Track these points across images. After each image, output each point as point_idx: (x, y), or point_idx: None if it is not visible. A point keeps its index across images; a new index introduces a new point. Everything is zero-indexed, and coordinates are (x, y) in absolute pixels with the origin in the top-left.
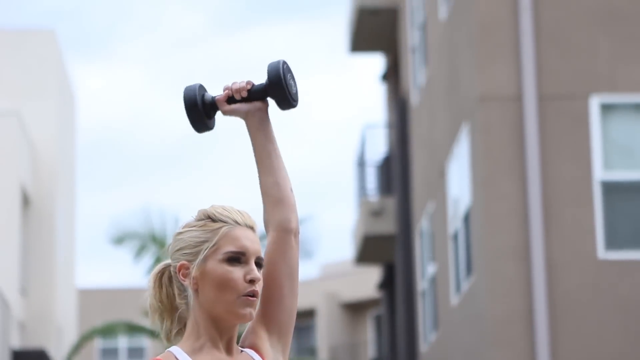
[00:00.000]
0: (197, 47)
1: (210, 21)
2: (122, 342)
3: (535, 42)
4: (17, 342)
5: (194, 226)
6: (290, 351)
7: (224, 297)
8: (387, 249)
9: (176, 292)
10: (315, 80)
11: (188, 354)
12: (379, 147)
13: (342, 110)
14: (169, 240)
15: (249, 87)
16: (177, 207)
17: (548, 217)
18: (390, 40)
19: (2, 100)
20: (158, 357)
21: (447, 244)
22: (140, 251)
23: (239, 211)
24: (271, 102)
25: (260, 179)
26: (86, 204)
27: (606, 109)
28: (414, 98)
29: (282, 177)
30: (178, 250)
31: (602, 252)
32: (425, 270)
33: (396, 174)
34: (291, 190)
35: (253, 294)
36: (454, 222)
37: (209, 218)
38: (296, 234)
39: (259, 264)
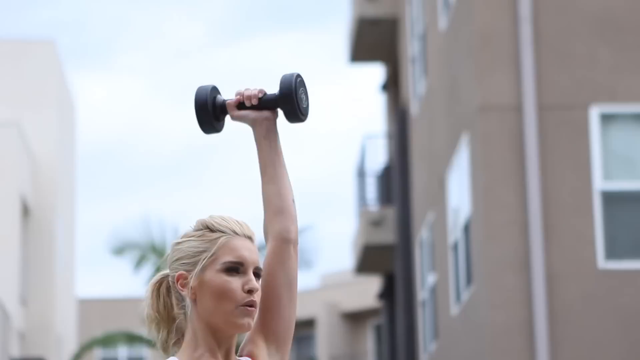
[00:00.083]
0: (197, 58)
1: (211, 31)
2: (122, 352)
3: (535, 52)
4: (17, 352)
5: (193, 236)
6: None
7: (222, 307)
8: (387, 259)
9: (174, 302)
10: (315, 91)
11: None
12: (378, 157)
13: (342, 120)
14: (169, 250)
15: (260, 95)
16: (176, 217)
17: (548, 227)
18: (390, 51)
19: (3, 111)
20: None
21: (447, 254)
22: (140, 261)
23: (237, 221)
24: (280, 113)
25: (262, 188)
26: (86, 214)
27: (606, 119)
28: (414, 108)
29: (285, 187)
30: (176, 260)
31: (602, 262)
32: (425, 280)
33: (396, 184)
34: (293, 201)
35: (251, 304)
36: (454, 232)
37: (208, 228)
38: (295, 244)
39: (257, 274)
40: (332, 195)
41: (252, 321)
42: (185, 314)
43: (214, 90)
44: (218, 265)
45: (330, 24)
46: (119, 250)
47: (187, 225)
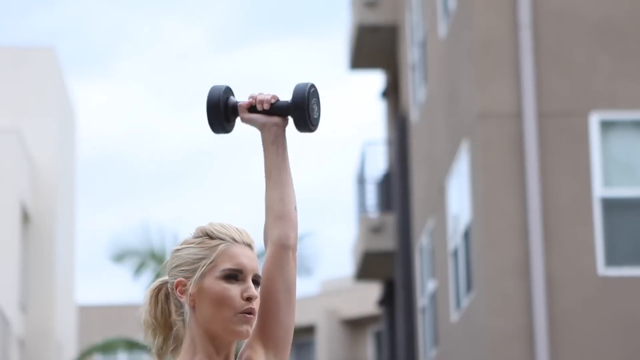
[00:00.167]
0: (197, 64)
1: (210, 38)
2: (122, 359)
3: (534, 59)
4: (16, 358)
5: (192, 243)
6: None
7: (220, 314)
8: (387, 266)
9: (173, 308)
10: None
11: None
12: (378, 164)
13: (342, 127)
14: (168, 257)
15: (272, 101)
16: (176, 224)
17: (548, 233)
18: (390, 58)
19: (2, 118)
20: None
21: (447, 260)
22: (139, 268)
23: (237, 229)
24: (290, 121)
25: (266, 193)
26: (86, 221)
27: (606, 126)
28: (414, 115)
29: (288, 194)
30: (175, 267)
31: (602, 269)
32: (425, 286)
33: (396, 190)
34: (295, 208)
35: (250, 312)
36: (454, 239)
37: (207, 235)
38: (294, 250)
39: (256, 281)
40: (332, 201)
41: (251, 328)
42: (183, 320)
43: (228, 90)
44: (217, 273)
45: (330, 31)
46: (119, 257)
47: (187, 231)
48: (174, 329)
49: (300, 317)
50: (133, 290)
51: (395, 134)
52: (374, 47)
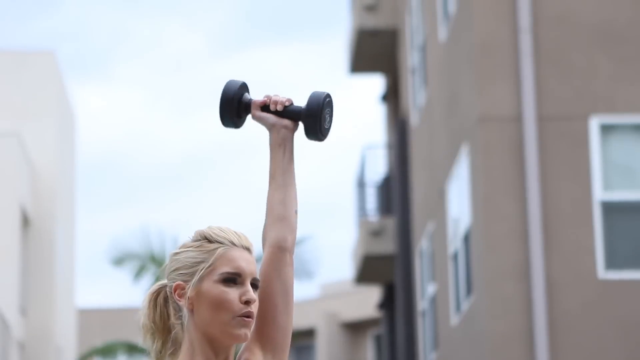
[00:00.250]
0: (197, 68)
1: (210, 42)
2: None
3: (534, 62)
4: None
5: (190, 247)
6: None
7: (219, 318)
8: (387, 269)
9: (171, 312)
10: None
11: None
12: (378, 168)
13: (342, 130)
14: (167, 260)
15: (287, 103)
16: (176, 228)
17: (548, 237)
18: (390, 61)
19: (2, 121)
20: None
21: (447, 264)
22: (139, 271)
23: (235, 232)
24: (300, 127)
25: (268, 194)
26: (86, 224)
27: (606, 129)
28: (414, 119)
29: (290, 197)
30: (174, 270)
31: (602, 272)
32: (425, 290)
33: (396, 194)
34: (296, 212)
35: (248, 315)
36: (454, 242)
37: (206, 239)
38: (291, 252)
39: (254, 285)
40: (332, 205)
41: (249, 332)
42: (182, 324)
43: (244, 86)
44: (215, 276)
45: (331, 34)
46: (119, 260)
47: (187, 235)
48: (173, 332)
49: (300, 320)
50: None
51: (395, 137)
52: (374, 50)
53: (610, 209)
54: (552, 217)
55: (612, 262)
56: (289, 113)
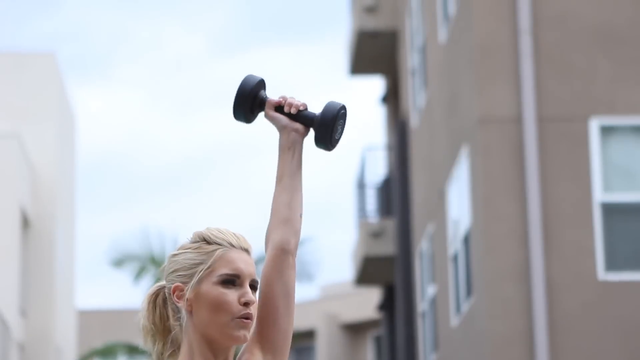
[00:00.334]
0: (197, 69)
1: (210, 43)
2: None
3: (534, 64)
4: None
5: (189, 248)
6: None
7: (218, 319)
8: (387, 270)
9: (170, 313)
10: (315, 103)
11: None
12: (378, 169)
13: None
14: (166, 262)
15: (301, 108)
16: (176, 229)
17: (548, 238)
18: (390, 63)
19: (2, 123)
20: None
21: (447, 265)
22: (139, 272)
23: (234, 234)
24: (311, 134)
25: (274, 195)
26: (86, 226)
27: (606, 131)
28: (414, 120)
29: (296, 200)
30: (173, 272)
31: (602, 273)
32: (425, 291)
33: (396, 195)
34: (301, 216)
35: (247, 317)
36: (454, 243)
37: (204, 240)
38: (293, 255)
39: (253, 286)
40: (332, 206)
41: (248, 333)
42: (181, 325)
43: (261, 83)
44: (214, 278)
45: (330, 36)
46: (119, 261)
47: (186, 236)
48: (172, 333)
49: (300, 321)
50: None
51: (395, 139)
52: (374, 52)
53: (610, 210)
54: (552, 218)
55: (612, 264)
56: (302, 118)
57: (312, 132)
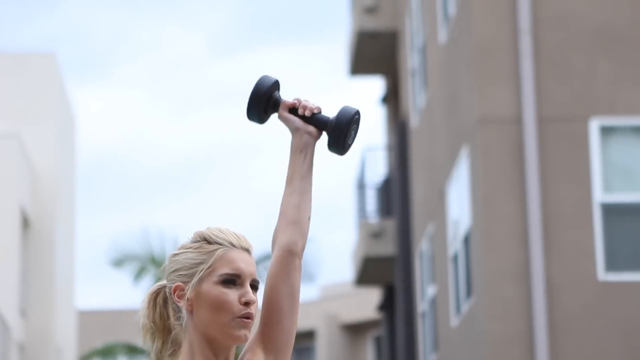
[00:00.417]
0: (197, 69)
1: (210, 43)
2: None
3: (534, 64)
4: None
5: (190, 248)
6: None
7: (218, 319)
8: (387, 271)
9: (171, 313)
10: (315, 103)
11: None
12: (378, 169)
13: None
14: (167, 261)
15: (316, 111)
16: (176, 229)
17: (548, 238)
18: (390, 63)
19: (2, 123)
20: None
21: (447, 266)
22: (139, 273)
23: (235, 233)
24: (323, 137)
25: (284, 197)
26: (86, 226)
27: (606, 131)
28: (414, 120)
29: (305, 203)
30: (174, 271)
31: (602, 274)
32: (425, 291)
33: (396, 195)
34: (309, 218)
35: (248, 316)
36: (454, 244)
37: (205, 240)
38: (300, 257)
39: (254, 286)
40: (332, 206)
41: (249, 333)
42: (181, 325)
43: (276, 84)
44: (215, 277)
45: (330, 36)
46: (119, 261)
47: (186, 236)
48: (173, 332)
49: (300, 322)
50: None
51: (395, 139)
52: (374, 52)
53: (610, 211)
54: (552, 218)
55: (612, 264)
56: (316, 121)
57: (324, 136)
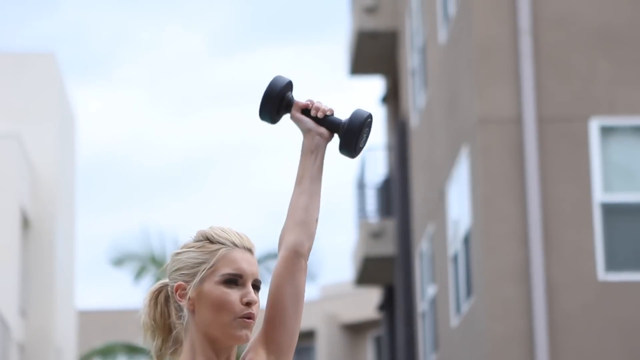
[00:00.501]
0: (197, 69)
1: (210, 43)
2: None
3: (534, 64)
4: None
5: (192, 247)
6: None
7: (220, 319)
8: (387, 271)
9: (172, 311)
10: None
11: None
12: (378, 170)
13: None
14: (169, 260)
15: (328, 113)
16: (176, 229)
17: (548, 238)
18: (390, 63)
19: (2, 123)
20: None
21: (447, 266)
22: (140, 272)
23: (237, 233)
24: (335, 140)
25: (292, 197)
26: (86, 226)
27: (606, 131)
28: (414, 120)
29: (314, 204)
30: (176, 270)
31: (602, 274)
32: (425, 291)
33: (396, 196)
34: (317, 220)
35: (249, 316)
36: (454, 244)
37: (207, 239)
38: (306, 258)
39: (256, 286)
40: (332, 207)
41: (250, 333)
42: (183, 324)
43: (289, 85)
44: (217, 277)
45: (330, 36)
46: (119, 261)
47: (187, 236)
48: (174, 331)
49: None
50: (133, 295)
51: (395, 139)
52: (374, 52)
53: (610, 211)
54: (552, 218)
55: (612, 264)
56: (328, 123)
57: (335, 138)
